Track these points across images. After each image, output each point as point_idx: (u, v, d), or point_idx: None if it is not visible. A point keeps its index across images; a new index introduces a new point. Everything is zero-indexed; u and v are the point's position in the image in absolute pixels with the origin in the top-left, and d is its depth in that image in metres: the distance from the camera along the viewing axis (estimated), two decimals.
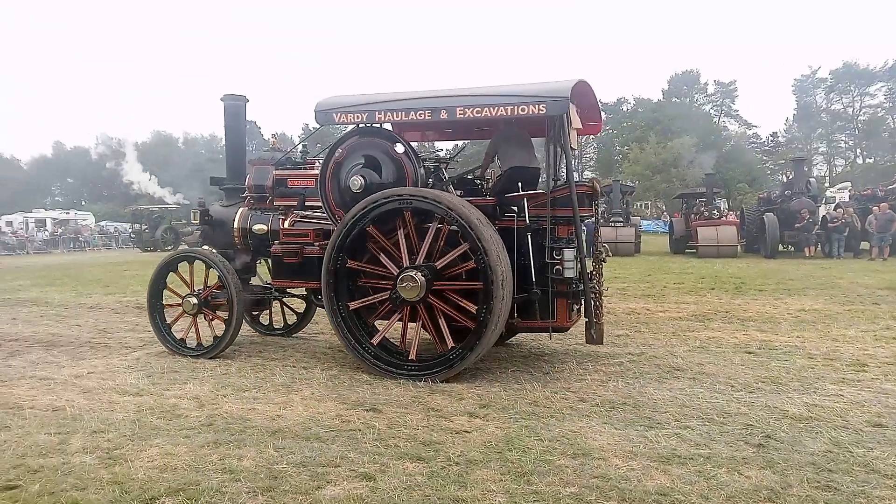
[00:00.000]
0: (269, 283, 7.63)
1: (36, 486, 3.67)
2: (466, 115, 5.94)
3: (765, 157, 67.80)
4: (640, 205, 56.40)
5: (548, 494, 3.48)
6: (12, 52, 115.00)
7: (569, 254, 5.84)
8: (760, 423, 4.55)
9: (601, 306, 6.33)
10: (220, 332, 7.10)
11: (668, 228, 30.95)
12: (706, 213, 24.17)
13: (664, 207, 55.35)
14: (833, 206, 26.19)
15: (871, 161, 64.10)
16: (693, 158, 46.30)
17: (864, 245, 20.69)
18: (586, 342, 6.29)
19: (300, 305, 8.65)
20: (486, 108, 5.87)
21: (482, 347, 5.69)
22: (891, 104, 65.32)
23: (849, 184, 39.67)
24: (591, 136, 75.56)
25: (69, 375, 6.31)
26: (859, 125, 67.50)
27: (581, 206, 6.04)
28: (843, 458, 3.92)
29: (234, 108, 7.94)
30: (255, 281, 8.07)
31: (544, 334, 7.37)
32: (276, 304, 8.66)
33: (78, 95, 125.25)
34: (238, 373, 6.34)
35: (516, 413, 4.89)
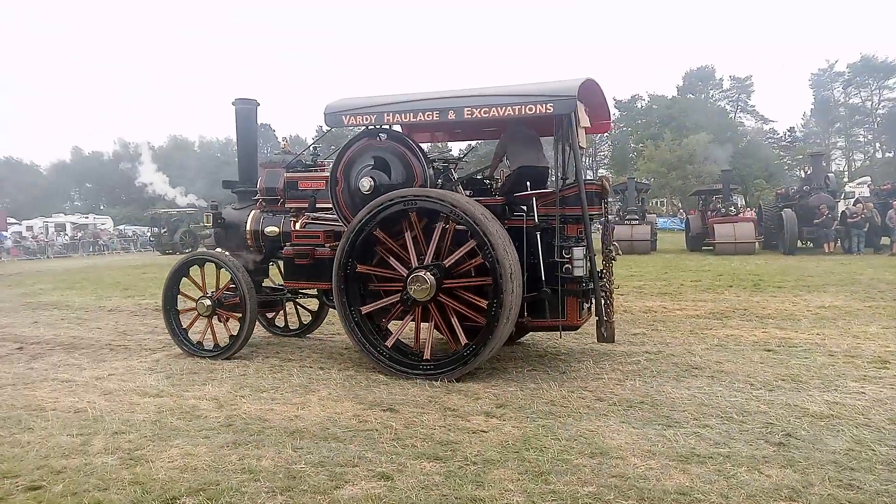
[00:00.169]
0: (282, 285, 7.68)
1: (59, 486, 3.72)
2: (474, 116, 5.97)
3: (782, 153, 67.12)
4: (656, 202, 56.03)
5: (566, 494, 3.47)
6: (12, 52, 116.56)
7: (578, 252, 5.84)
8: (781, 422, 4.50)
9: (612, 304, 6.31)
10: (235, 333, 7.16)
11: (684, 226, 30.70)
12: (723, 210, 23.94)
13: (680, 205, 55.00)
14: (852, 201, 25.86)
15: (890, 155, 63.27)
16: (708, 155, 45.92)
17: (885, 240, 20.39)
18: (597, 340, 6.28)
19: (314, 305, 8.70)
20: (494, 108, 5.89)
21: (495, 342, 5.69)
22: None
23: (868, 178, 39.18)
24: (606, 134, 75.31)
25: (90, 377, 6.39)
26: (878, 119, 66.59)
27: (591, 205, 6.05)
28: (865, 456, 3.87)
29: (246, 111, 8.02)
30: (266, 283, 8.13)
31: (559, 332, 7.36)
32: (290, 306, 8.73)
33: (78, 95, 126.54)
34: (256, 374, 6.39)
35: (533, 412, 4.88)
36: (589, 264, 5.96)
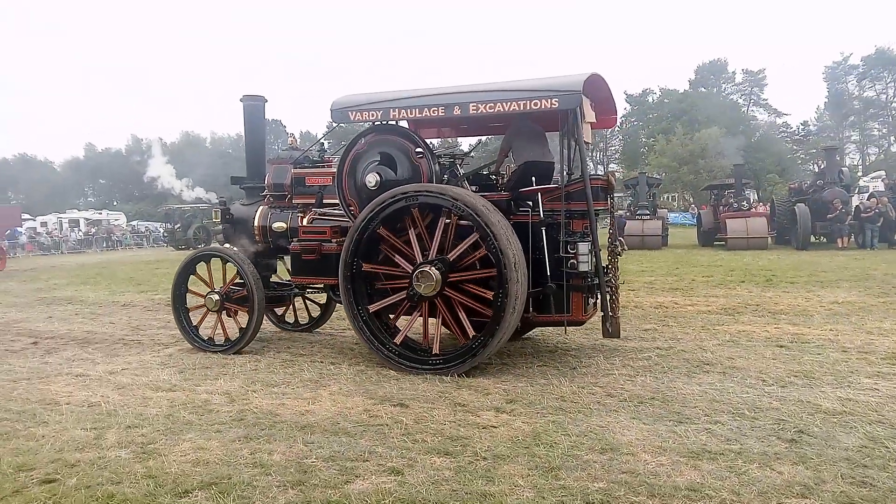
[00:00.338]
0: (289, 281, 7.73)
1: (73, 479, 3.76)
2: (479, 111, 5.99)
3: (795, 147, 66.50)
4: (667, 197, 55.73)
5: (576, 490, 3.47)
6: (12, 52, 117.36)
7: (583, 247, 5.85)
8: (793, 418, 4.47)
9: (617, 300, 6.30)
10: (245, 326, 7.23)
11: (695, 221, 30.54)
12: (735, 205, 23.79)
13: (692, 199, 54.66)
14: (866, 195, 25.58)
15: None
16: (721, 150, 45.58)
17: None
18: (603, 336, 6.27)
19: (322, 299, 8.73)
20: (499, 104, 5.91)
21: (502, 332, 5.70)
22: None
23: (882, 172, 38.70)
24: (617, 129, 75.00)
25: (104, 372, 6.45)
26: (893, 112, 65.80)
27: (596, 200, 6.04)
28: (878, 453, 3.84)
29: (253, 108, 8.07)
30: (273, 279, 8.18)
31: (570, 328, 7.35)
32: (299, 302, 8.78)
33: (78, 95, 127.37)
34: (267, 368, 6.43)
35: (543, 408, 4.88)
36: (594, 259, 5.96)
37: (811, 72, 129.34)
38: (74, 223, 47.47)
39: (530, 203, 6.10)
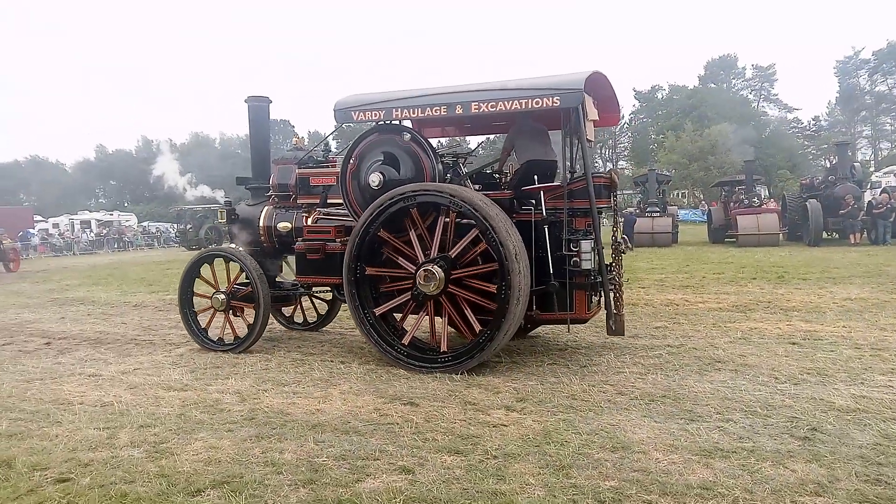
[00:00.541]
0: (294, 281, 7.77)
1: (86, 479, 3.79)
2: (481, 110, 6.01)
3: (807, 142, 66.00)
4: (677, 194, 55.42)
5: (587, 488, 3.46)
6: (12, 52, 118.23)
7: (586, 245, 5.86)
8: (806, 416, 4.44)
9: (621, 297, 6.29)
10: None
11: (706, 217, 30.36)
12: (746, 201, 23.63)
13: (702, 196, 54.32)
14: (879, 190, 25.34)
15: None
16: (731, 146, 45.32)
17: None
18: (607, 333, 6.26)
19: (329, 295, 8.77)
20: (501, 103, 5.92)
21: (508, 324, 5.70)
22: None
23: (895, 168, 38.34)
24: (626, 126, 74.71)
25: (116, 372, 6.49)
26: None
27: (599, 198, 6.05)
28: (892, 451, 3.80)
29: (258, 109, 8.11)
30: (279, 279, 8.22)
31: (580, 326, 7.34)
32: (306, 301, 8.82)
33: (78, 95, 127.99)
34: (278, 368, 6.45)
35: (554, 406, 4.87)
36: (597, 257, 5.97)
37: (822, 67, 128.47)
38: (86, 224, 47.83)
39: (533, 201, 6.11)
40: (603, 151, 75.91)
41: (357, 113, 6.41)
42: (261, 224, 7.73)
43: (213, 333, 7.52)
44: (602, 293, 6.20)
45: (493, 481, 3.58)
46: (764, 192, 37.08)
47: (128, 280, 17.27)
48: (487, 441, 4.18)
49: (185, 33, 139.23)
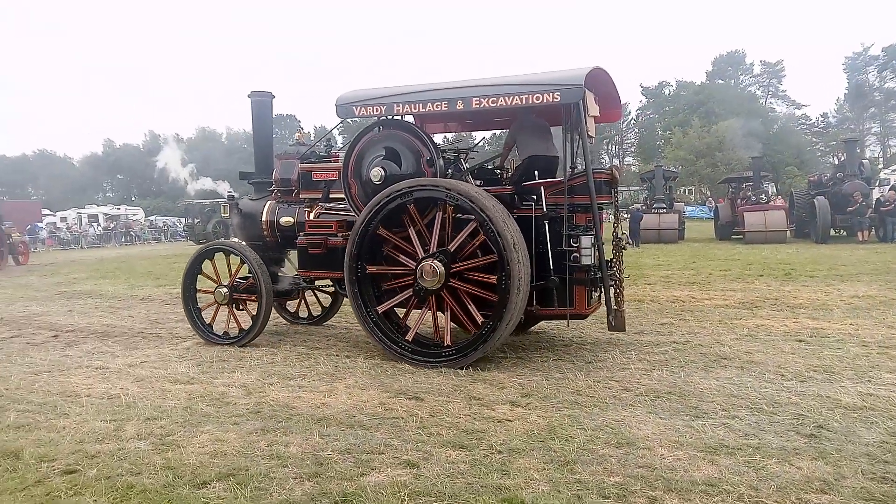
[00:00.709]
0: (296, 275, 7.81)
1: (93, 470, 3.82)
2: (482, 106, 6.02)
3: (815, 139, 65.60)
4: (684, 190, 55.19)
5: (591, 484, 3.46)
6: (12, 52, 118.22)
7: (586, 241, 5.87)
8: (812, 413, 4.43)
9: (622, 293, 6.29)
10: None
11: (713, 214, 30.25)
12: (753, 198, 23.53)
13: (709, 193, 54.08)
14: (887, 188, 25.20)
15: None
16: (738, 142, 45.06)
17: None
18: (608, 329, 6.26)
19: (330, 289, 8.80)
20: (501, 98, 5.94)
21: (510, 314, 5.71)
22: None
23: None
24: (633, 122, 74.41)
25: (123, 365, 6.53)
26: None
27: (600, 194, 6.06)
28: None
29: (261, 104, 8.15)
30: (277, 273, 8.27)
31: (585, 322, 7.34)
32: (312, 296, 8.85)
33: (78, 95, 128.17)
34: (283, 362, 6.47)
35: (559, 402, 4.87)
36: (597, 253, 5.98)
37: (831, 63, 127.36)
38: (93, 218, 48.05)
39: (534, 197, 6.12)
40: (610, 147, 75.69)
41: (359, 108, 6.44)
42: (263, 218, 7.76)
43: (219, 328, 7.55)
44: (602, 289, 6.21)
45: (498, 476, 3.59)
46: (771, 188, 36.97)
47: (135, 274, 17.34)
48: (492, 436, 4.19)
49: (185, 33, 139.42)
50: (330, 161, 7.46)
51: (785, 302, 9.13)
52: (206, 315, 7.65)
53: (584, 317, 6.33)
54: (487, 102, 5.98)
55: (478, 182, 6.76)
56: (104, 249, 36.28)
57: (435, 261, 5.96)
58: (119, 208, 53.14)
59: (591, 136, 6.29)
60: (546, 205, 6.00)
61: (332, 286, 7.70)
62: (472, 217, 5.86)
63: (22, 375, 6.16)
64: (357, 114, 6.47)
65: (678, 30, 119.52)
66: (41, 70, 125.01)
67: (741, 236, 22.35)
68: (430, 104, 6.18)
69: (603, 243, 6.09)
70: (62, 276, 17.65)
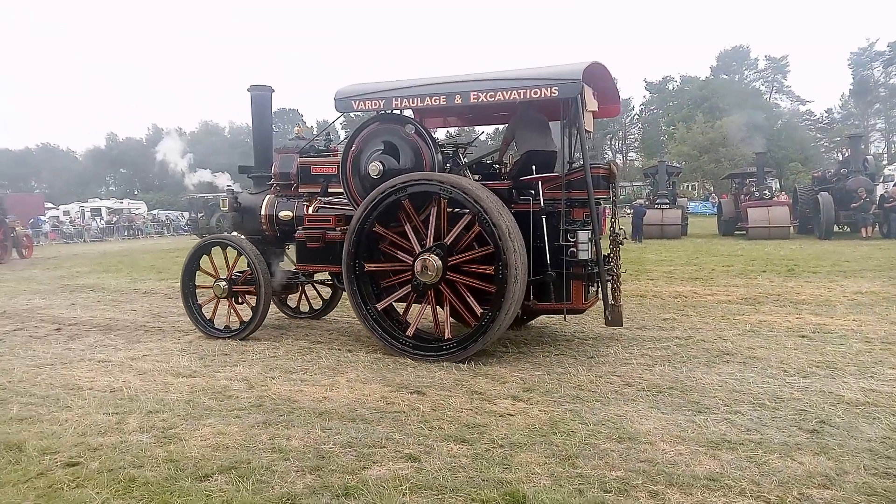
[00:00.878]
0: (295, 269, 7.83)
1: (95, 463, 3.82)
2: (480, 100, 6.03)
3: (819, 135, 65.32)
4: (687, 186, 55.06)
5: (593, 478, 3.45)
6: (12, 52, 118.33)
7: (583, 236, 5.87)
8: (815, 409, 4.42)
9: (619, 288, 6.29)
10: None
11: (716, 210, 30.18)
12: (757, 194, 23.47)
13: (712, 188, 53.98)
14: (892, 184, 25.10)
15: None
16: (743, 137, 44.93)
17: None
18: (605, 324, 6.26)
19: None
20: (499, 92, 5.95)
21: (508, 303, 5.71)
22: None
23: None
24: (637, 117, 74.19)
25: (125, 358, 6.54)
26: None
27: (598, 189, 6.06)
28: None
29: (261, 98, 8.15)
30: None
31: (587, 317, 7.33)
32: (313, 290, 8.86)
33: (78, 95, 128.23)
34: (285, 355, 6.48)
35: (560, 396, 4.86)
36: (594, 248, 5.98)
37: (836, 58, 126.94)
38: (96, 212, 48.10)
39: (532, 192, 6.12)
40: (613, 143, 75.52)
41: (357, 102, 6.45)
42: (263, 212, 7.78)
43: (220, 322, 7.57)
44: (600, 284, 6.21)
45: (499, 470, 3.59)
46: (775, 184, 36.83)
47: (137, 267, 17.37)
48: (494, 430, 4.18)
49: (185, 33, 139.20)
50: (329, 155, 7.46)
51: (788, 298, 9.11)
52: (208, 311, 7.66)
53: (580, 311, 6.34)
54: (485, 97, 5.98)
55: (476, 177, 6.77)
56: (107, 243, 36.35)
57: (432, 255, 5.97)
58: (122, 202, 53.20)
59: (589, 131, 6.29)
60: (543, 199, 6.00)
61: (331, 280, 7.71)
62: (467, 210, 5.87)
63: (25, 368, 6.17)
64: (356, 108, 6.49)
65: (683, 25, 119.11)
66: (41, 70, 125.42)
67: (744, 232, 22.31)
68: (428, 98, 6.19)
69: (600, 238, 6.09)
70: (65, 269, 17.68)
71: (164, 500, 3.34)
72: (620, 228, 6.41)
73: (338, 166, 6.85)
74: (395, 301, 6.47)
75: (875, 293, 9.18)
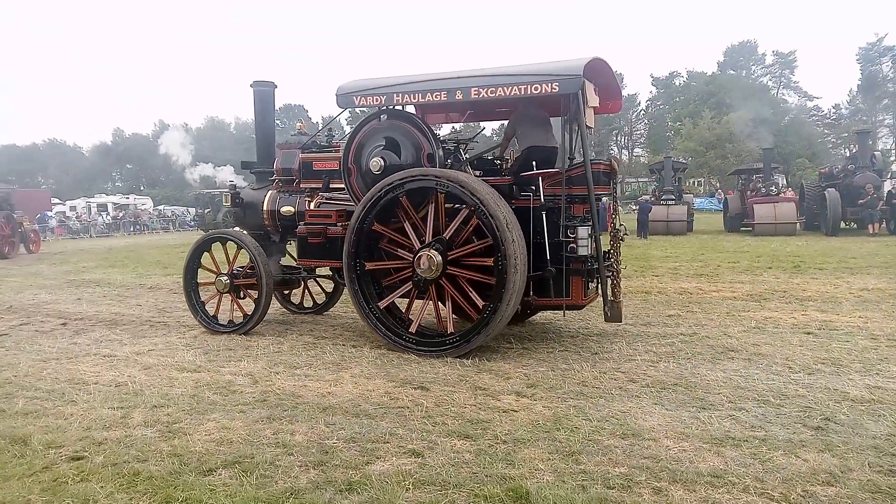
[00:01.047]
0: (297, 265, 7.84)
1: (100, 457, 3.84)
2: (481, 96, 6.04)
3: (826, 131, 64.92)
4: (693, 182, 54.87)
5: (596, 474, 3.45)
6: (12, 52, 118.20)
7: (582, 232, 5.87)
8: (819, 406, 4.40)
9: (619, 284, 6.28)
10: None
11: (722, 206, 30.06)
12: (763, 190, 23.36)
13: (718, 184, 53.77)
14: None
15: None
16: (750, 133, 44.70)
17: None
18: (605, 320, 6.25)
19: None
20: (500, 88, 5.96)
21: (509, 294, 5.71)
22: None
23: None
24: (643, 112, 73.89)
25: (131, 353, 6.57)
26: None
27: (599, 185, 6.06)
28: None
29: (263, 94, 8.18)
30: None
31: (592, 314, 7.31)
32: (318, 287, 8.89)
33: (78, 95, 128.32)
34: (290, 351, 6.49)
35: (564, 393, 4.86)
36: (594, 244, 5.98)
37: (844, 53, 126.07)
38: (102, 207, 48.30)
39: (533, 187, 6.12)
40: (619, 138, 75.26)
41: (359, 98, 6.46)
42: (265, 208, 7.79)
43: (224, 319, 7.59)
44: (599, 279, 6.20)
45: (503, 466, 3.59)
46: (782, 180, 36.69)
47: (143, 263, 17.43)
48: (497, 426, 4.18)
49: (185, 33, 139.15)
50: (331, 151, 7.47)
51: (793, 294, 9.07)
52: (211, 307, 7.70)
53: (580, 307, 6.36)
54: (486, 93, 5.98)
55: (477, 172, 6.78)
56: (113, 238, 36.48)
57: (431, 250, 5.98)
58: (128, 198, 53.37)
59: (590, 127, 6.28)
60: (544, 195, 6.00)
61: (332, 275, 7.73)
62: (465, 201, 5.87)
63: (30, 363, 6.20)
64: (357, 104, 6.51)
65: (690, 20, 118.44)
66: (41, 70, 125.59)
67: (750, 228, 22.22)
68: (429, 94, 6.20)
69: (600, 234, 6.09)
70: (71, 264, 17.75)
71: (168, 494, 3.36)
72: (621, 224, 6.40)
73: (339, 162, 6.86)
74: (397, 298, 6.48)
75: (881, 290, 9.13)
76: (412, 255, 6.14)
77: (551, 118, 6.89)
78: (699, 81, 66.40)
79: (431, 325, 6.70)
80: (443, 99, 6.17)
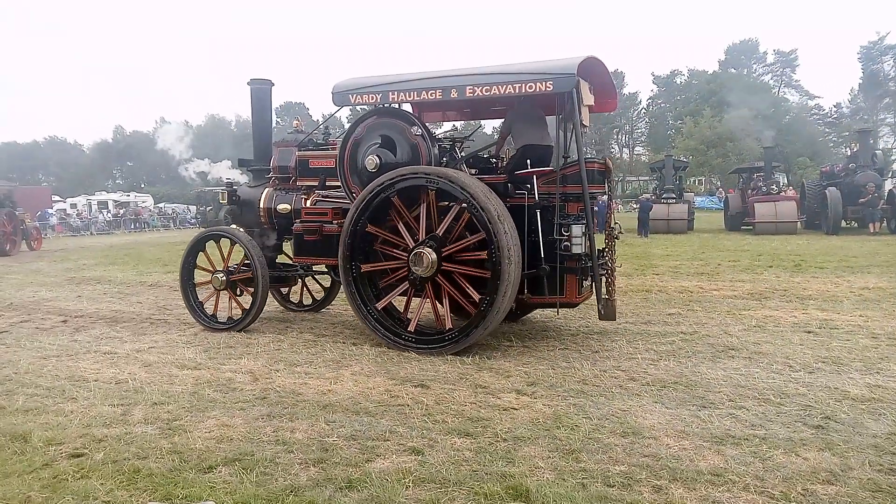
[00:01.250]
0: (293, 262, 7.84)
1: (100, 454, 3.84)
2: (476, 94, 6.05)
3: (827, 130, 64.87)
4: (694, 180, 54.83)
5: (596, 472, 3.45)
6: (12, 52, 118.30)
7: (577, 230, 5.87)
8: (820, 404, 4.40)
9: (613, 283, 6.29)
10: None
11: (722, 205, 30.05)
12: (764, 189, 23.34)
13: (719, 183, 53.75)
14: None
15: None
16: (751, 132, 44.68)
17: None
18: (599, 318, 6.26)
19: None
20: (495, 87, 5.97)
21: (504, 286, 5.71)
22: None
23: None
24: (644, 111, 73.88)
25: (131, 350, 6.57)
26: None
27: (594, 183, 6.07)
28: None
29: (260, 91, 8.17)
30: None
31: (592, 311, 7.30)
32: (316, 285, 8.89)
33: (78, 95, 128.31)
34: (290, 348, 6.49)
35: (564, 391, 4.86)
36: (588, 242, 5.98)
37: (845, 52, 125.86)
38: (103, 205, 48.29)
39: (528, 186, 6.13)
40: (620, 137, 75.23)
41: (354, 96, 6.48)
42: (261, 206, 7.80)
43: (223, 316, 7.59)
44: (593, 278, 6.21)
45: (503, 464, 3.59)
46: (783, 179, 36.63)
47: (144, 260, 17.43)
48: (497, 424, 4.18)
49: (185, 33, 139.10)
50: (327, 149, 7.48)
51: (794, 293, 9.07)
52: (210, 306, 7.70)
53: (574, 305, 6.38)
54: (481, 91, 6.00)
55: (473, 171, 6.79)
56: (114, 236, 36.48)
57: (425, 248, 6.00)
58: (128, 195, 53.36)
59: (585, 126, 6.29)
60: (538, 194, 6.01)
61: (328, 272, 7.73)
62: (456, 196, 5.89)
63: (31, 360, 6.20)
64: (353, 102, 6.53)
65: (691, 18, 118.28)
66: (42, 69, 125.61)
67: (751, 227, 22.22)
68: (424, 92, 6.22)
69: (594, 232, 6.09)
70: (72, 262, 17.75)
71: (168, 491, 3.36)
72: (616, 223, 6.41)
73: (335, 160, 6.86)
74: (394, 298, 6.48)
75: (882, 289, 9.13)
76: (407, 255, 6.14)
77: (546, 117, 6.89)
78: (700, 80, 66.34)
79: (430, 324, 6.70)
80: (438, 97, 6.18)
